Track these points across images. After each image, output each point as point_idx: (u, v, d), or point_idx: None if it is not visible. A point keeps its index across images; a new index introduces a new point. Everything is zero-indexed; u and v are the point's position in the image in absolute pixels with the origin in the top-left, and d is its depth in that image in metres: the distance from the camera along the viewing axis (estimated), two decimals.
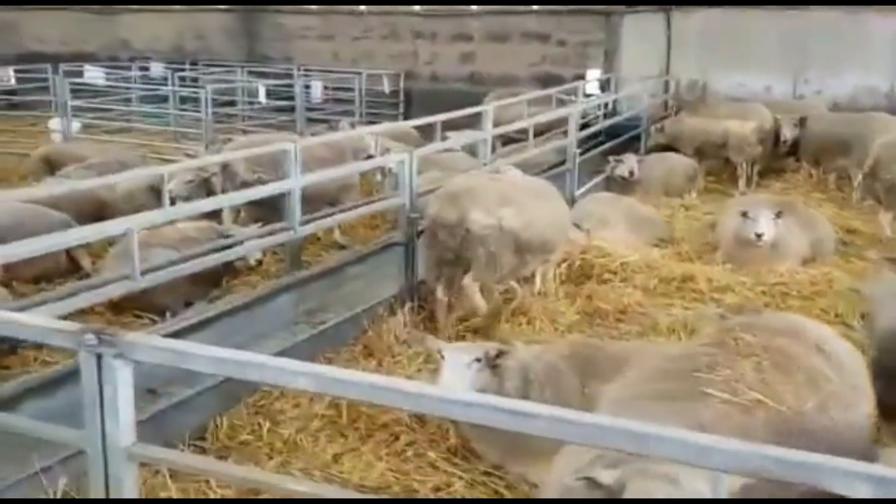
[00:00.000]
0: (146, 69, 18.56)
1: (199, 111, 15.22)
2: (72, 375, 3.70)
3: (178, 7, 19.28)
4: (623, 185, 11.47)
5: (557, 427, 2.11)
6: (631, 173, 11.63)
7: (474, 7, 17.09)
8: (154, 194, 10.35)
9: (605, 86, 15.88)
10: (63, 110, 13.52)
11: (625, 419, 2.11)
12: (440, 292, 6.37)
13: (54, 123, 15.74)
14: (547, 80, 16.39)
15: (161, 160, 12.65)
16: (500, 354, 4.38)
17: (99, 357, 2.57)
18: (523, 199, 6.50)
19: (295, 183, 7.05)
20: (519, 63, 16.57)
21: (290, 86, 14.87)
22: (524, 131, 10.56)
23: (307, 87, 14.77)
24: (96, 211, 9.12)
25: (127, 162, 11.66)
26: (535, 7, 16.71)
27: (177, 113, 14.98)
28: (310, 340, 5.95)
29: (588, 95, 15.03)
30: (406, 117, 17.19)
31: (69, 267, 8.05)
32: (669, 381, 3.40)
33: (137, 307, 7.05)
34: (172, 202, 9.07)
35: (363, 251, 6.42)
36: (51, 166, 12.17)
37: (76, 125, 15.71)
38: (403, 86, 17.42)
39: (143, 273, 5.29)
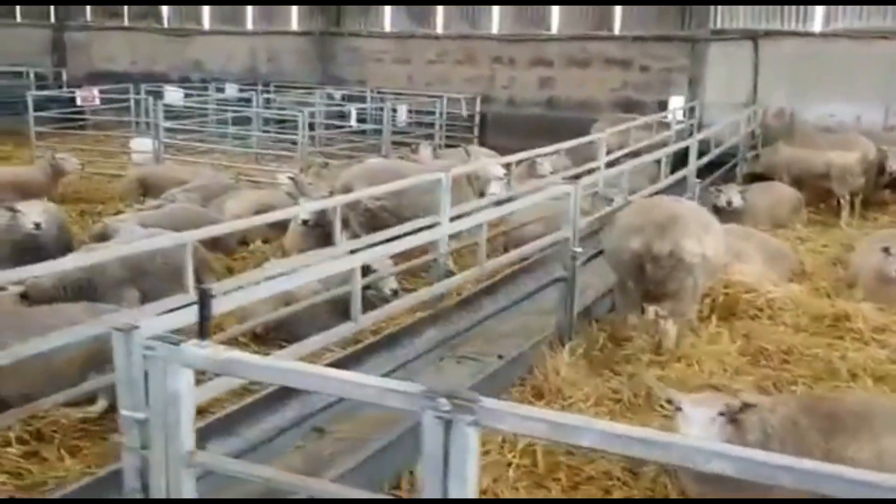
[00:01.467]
0: (222, 90, 18.58)
1: (282, 133, 15.21)
2: None
3: (252, 29, 19.35)
4: (726, 215, 11.17)
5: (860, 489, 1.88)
6: (729, 203, 11.33)
7: (555, 31, 16.92)
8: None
9: (686, 112, 15.61)
10: (155, 132, 13.47)
11: None
12: (635, 327, 6.22)
13: (137, 144, 15.76)
14: (628, 106, 16.18)
15: (252, 183, 12.57)
16: (743, 407, 4.10)
17: (448, 422, 2.35)
18: (713, 226, 6.39)
19: (445, 217, 6.88)
20: (599, 88, 16.37)
21: (379, 109, 14.75)
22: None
23: (394, 110, 14.65)
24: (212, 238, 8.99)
25: (226, 185, 11.59)
26: (617, 32, 16.52)
27: (261, 135, 14.96)
28: (473, 379, 5.71)
29: (679, 122, 14.80)
30: (481, 142, 17.04)
31: None
32: None
33: (282, 337, 6.87)
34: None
35: (528, 289, 6.18)
36: (146, 188, 12.13)
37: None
38: (479, 109, 17.26)
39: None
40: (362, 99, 17.90)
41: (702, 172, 14.72)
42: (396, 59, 18.26)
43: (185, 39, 20.33)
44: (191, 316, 3.33)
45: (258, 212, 10.19)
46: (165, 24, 20.71)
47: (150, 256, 7.41)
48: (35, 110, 20.91)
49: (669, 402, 4.21)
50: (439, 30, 18.06)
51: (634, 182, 11.66)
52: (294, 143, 15.26)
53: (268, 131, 15.44)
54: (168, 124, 13.86)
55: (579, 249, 6.34)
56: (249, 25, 20.08)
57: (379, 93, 18.15)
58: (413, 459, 4.86)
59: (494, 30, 17.46)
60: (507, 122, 16.90)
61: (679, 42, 15.90)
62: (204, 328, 3.37)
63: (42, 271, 4.21)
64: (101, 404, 5.57)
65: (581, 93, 16.52)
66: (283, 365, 2.66)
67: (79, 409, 5.56)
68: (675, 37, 15.99)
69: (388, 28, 18.49)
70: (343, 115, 16.13)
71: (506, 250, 8.19)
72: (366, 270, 7.64)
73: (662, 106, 15.99)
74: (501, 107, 17.22)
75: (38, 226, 8.09)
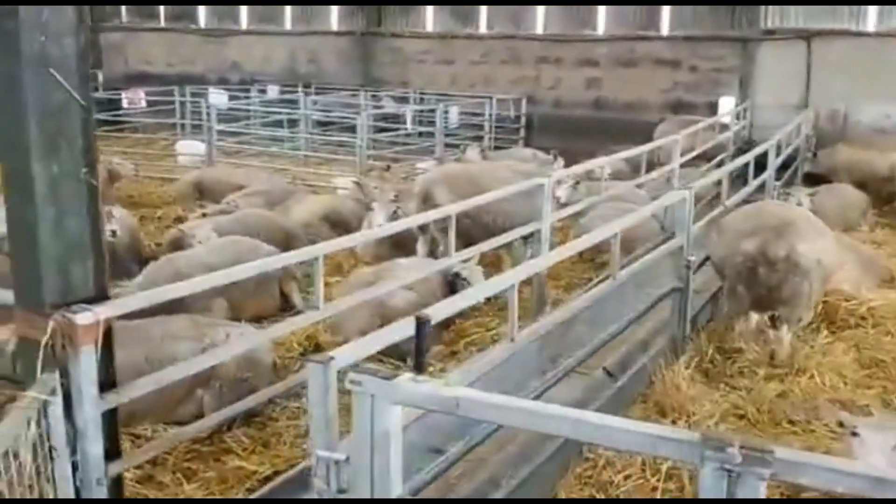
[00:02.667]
0: (263, 91, 18.42)
1: (333, 136, 15.04)
2: None
3: (291, 30, 19.16)
4: None
5: None
6: (798, 206, 11.09)
7: (601, 32, 16.68)
8: (327, 223, 10.10)
9: (741, 114, 15.34)
10: (207, 135, 13.31)
11: None
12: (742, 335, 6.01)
13: (183, 146, 15.62)
14: (677, 107, 15.94)
15: (307, 187, 12.38)
16: None
17: (734, 474, 2.12)
18: (825, 231, 6.20)
19: (547, 223, 6.68)
20: (648, 89, 16.12)
21: (431, 111, 14.55)
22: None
23: (446, 111, 14.44)
24: (284, 241, 8.84)
25: (287, 189, 11.42)
26: (665, 32, 16.26)
27: (318, 137, 14.79)
28: (592, 395, 5.49)
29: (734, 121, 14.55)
30: (527, 143, 16.83)
31: (283, 304, 7.70)
32: None
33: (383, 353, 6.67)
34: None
35: (650, 299, 5.96)
36: (200, 192, 11.97)
37: (201, 148, 15.57)
38: (525, 111, 17.04)
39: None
40: (405, 100, 17.71)
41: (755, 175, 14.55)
42: (439, 59, 18.04)
43: (223, 40, 20.16)
44: (377, 344, 3.11)
45: (326, 217, 10.04)
46: (202, 25, 20.53)
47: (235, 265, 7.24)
48: None
49: (841, 425, 3.98)
50: (483, 30, 17.84)
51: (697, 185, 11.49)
52: (342, 144, 15.11)
53: (317, 134, 15.28)
54: (220, 127, 13.69)
55: (692, 258, 6.13)
56: (288, 25, 19.90)
57: (421, 94, 17.95)
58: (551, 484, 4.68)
59: (539, 30, 17.23)
60: (554, 123, 16.67)
61: (730, 42, 15.64)
62: (420, 361, 3.14)
63: (209, 283, 4.01)
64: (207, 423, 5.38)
65: (629, 94, 16.27)
66: (526, 405, 2.44)
67: (183, 427, 5.38)
68: (726, 37, 15.73)
69: (430, 28, 18.27)
70: (386, 118, 15.95)
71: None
72: (455, 278, 7.51)
73: (712, 107, 15.74)
74: (547, 108, 16.99)
75: (113, 233, 7.93)
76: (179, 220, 10.67)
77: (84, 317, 3.11)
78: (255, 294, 7.29)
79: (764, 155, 9.76)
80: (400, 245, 9.44)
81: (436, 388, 2.54)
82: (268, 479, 4.76)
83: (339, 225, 10.11)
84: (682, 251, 6.08)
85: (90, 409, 3.16)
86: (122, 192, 12.48)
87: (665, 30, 16.28)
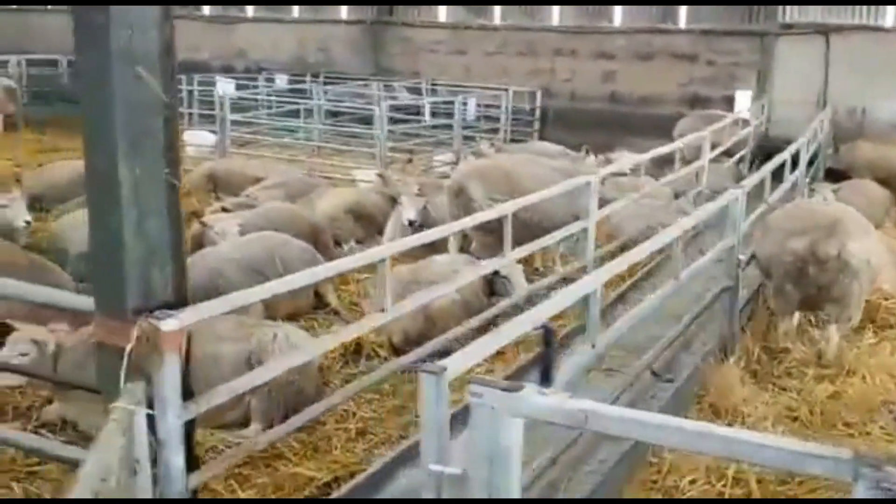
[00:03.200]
0: (271, 80, 18.16)
1: (346, 126, 14.84)
2: None
3: (301, 18, 18.88)
4: None
5: None
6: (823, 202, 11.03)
7: (618, 24, 16.51)
8: (351, 217, 9.92)
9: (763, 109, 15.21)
10: (221, 125, 13.08)
11: None
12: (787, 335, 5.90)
13: (191, 136, 15.35)
14: (694, 101, 15.81)
15: (325, 178, 12.18)
16: None
17: (887, 490, 2.01)
18: (871, 229, 6.12)
19: (592, 220, 6.55)
20: (665, 83, 15.97)
21: (449, 103, 14.35)
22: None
23: (464, 104, 14.25)
24: (311, 235, 8.66)
25: (308, 182, 11.22)
26: (683, 26, 16.10)
27: (339, 129, 14.59)
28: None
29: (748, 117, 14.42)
30: (542, 136, 16.65)
31: (316, 303, 7.53)
32: None
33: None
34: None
35: (702, 299, 5.84)
36: (215, 184, 11.76)
37: (210, 138, 15.33)
38: (539, 104, 16.87)
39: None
40: (417, 91, 17.49)
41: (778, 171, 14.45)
42: (452, 50, 17.82)
43: (229, 27, 19.86)
44: (486, 350, 2.96)
45: (351, 211, 9.86)
46: (207, 12, 20.22)
47: (269, 261, 7.08)
48: (70, 101, 20.58)
49: None
50: (497, 20, 17.63)
51: (716, 182, 11.37)
52: (356, 136, 14.92)
53: (332, 125, 15.08)
54: (234, 117, 13.47)
55: (743, 257, 6.02)
56: (296, 13, 19.62)
57: (433, 85, 17.74)
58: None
59: (555, 21, 17.03)
60: (569, 116, 16.51)
61: (747, 36, 15.50)
62: (547, 371, 3.00)
63: (285, 287, 3.85)
64: (255, 427, 5.23)
65: (645, 87, 16.11)
66: (665, 421, 2.30)
67: (231, 433, 5.22)
68: (744, 31, 15.59)
69: (442, 18, 18.04)
70: (400, 109, 15.76)
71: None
72: (495, 276, 7.35)
73: (728, 101, 15.61)
74: (563, 101, 16.82)
75: None
76: (196, 213, 10.45)
77: (169, 323, 2.96)
78: (291, 294, 7.09)
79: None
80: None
81: (562, 400, 2.41)
82: (327, 485, 4.63)
83: (364, 218, 9.93)
84: (733, 250, 5.95)
85: (173, 418, 3.02)
86: None
87: (682, 23, 16.12)
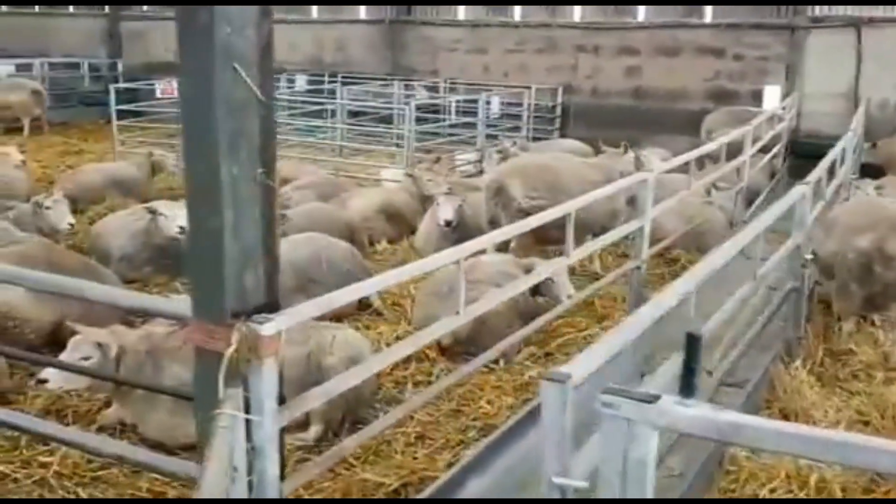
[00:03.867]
0: (292, 80, 18.06)
1: (367, 126, 14.74)
2: None
3: (318, 18, 18.75)
4: None
5: None
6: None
7: (641, 19, 16.34)
8: (383, 217, 9.81)
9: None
10: None
11: None
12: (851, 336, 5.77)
13: None
14: (720, 96, 15.62)
15: (351, 178, 12.06)
16: None
17: None
18: None
19: (647, 218, 6.41)
20: (690, 78, 15.78)
21: (473, 102, 14.22)
22: None
23: (488, 102, 14.11)
24: (348, 235, 8.57)
25: (337, 183, 11.13)
26: (709, 20, 15.93)
27: (369, 128, 14.48)
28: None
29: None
30: (563, 133, 16.51)
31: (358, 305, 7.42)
32: None
33: (465, 351, 6.40)
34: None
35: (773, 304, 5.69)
36: None
37: None
38: (561, 100, 16.72)
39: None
40: (436, 89, 17.37)
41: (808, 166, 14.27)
42: (471, 48, 17.68)
43: None
44: (608, 353, 2.81)
45: (383, 210, 9.75)
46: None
47: (316, 263, 6.97)
48: (89, 104, 20.52)
49: None
50: (517, 17, 17.48)
51: (752, 178, 11.21)
52: (374, 135, 14.81)
53: (356, 124, 14.98)
54: None
55: (810, 256, 5.87)
56: (315, 14, 19.51)
57: (452, 83, 17.61)
58: None
59: (577, 17, 16.88)
60: (591, 113, 16.35)
61: (776, 30, 15.31)
62: (691, 381, 2.85)
63: (374, 287, 3.73)
64: (315, 430, 5.11)
65: (670, 82, 15.93)
66: (821, 434, 2.15)
67: (291, 436, 5.11)
68: (772, 24, 15.39)
69: (461, 16, 17.91)
70: (422, 108, 15.64)
71: None
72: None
73: (755, 96, 15.42)
74: (585, 97, 16.65)
75: (183, 230, 7.63)
76: None
77: (268, 327, 2.84)
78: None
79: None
80: (463, 240, 9.15)
81: (708, 412, 2.26)
82: (396, 491, 4.51)
83: (395, 218, 9.84)
84: (799, 250, 5.80)
85: (269, 425, 2.89)
86: (161, 185, 12.16)
87: (708, 17, 15.95)
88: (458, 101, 15.21)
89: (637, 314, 3.21)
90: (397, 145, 15.03)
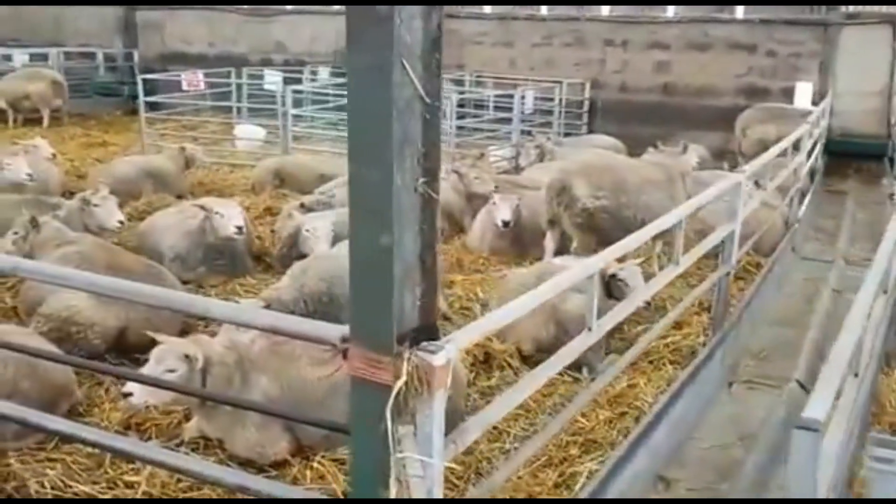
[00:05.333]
0: (315, 73, 17.77)
1: None
2: None
3: (341, 10, 18.32)
4: None
5: None
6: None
7: (671, 14, 16.09)
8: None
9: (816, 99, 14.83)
10: (283, 120, 12.71)
11: None
12: None
13: (241, 131, 15.02)
14: (751, 93, 15.40)
15: None
16: None
17: None
18: None
19: (738, 221, 6.20)
20: (721, 74, 15.56)
21: (508, 96, 13.96)
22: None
23: (523, 97, 13.87)
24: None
25: None
26: (741, 15, 15.69)
27: None
28: None
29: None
30: (590, 129, 16.28)
31: None
32: None
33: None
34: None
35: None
36: (282, 180, 11.43)
37: (260, 132, 14.99)
38: (588, 95, 16.47)
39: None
40: (460, 83, 17.10)
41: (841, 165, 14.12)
42: (497, 41, 17.40)
43: (267, 20, 19.43)
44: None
45: None
46: (245, 4, 19.76)
47: None
48: (105, 94, 20.20)
49: None
50: (545, 11, 17.21)
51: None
52: None
53: None
54: (296, 111, 13.10)
55: None
56: (337, 5, 19.16)
57: (478, 77, 17.35)
58: None
59: (606, 11, 16.62)
60: (619, 108, 16.13)
61: (809, 26, 15.09)
62: None
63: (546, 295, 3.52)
64: None
65: (700, 78, 15.71)
66: None
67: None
68: (806, 20, 15.18)
69: (488, 9, 17.62)
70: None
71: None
72: (611, 280, 7.01)
73: (787, 93, 15.21)
74: (613, 92, 16.41)
75: (240, 230, 7.41)
76: (269, 210, 10.13)
77: (440, 357, 2.61)
78: None
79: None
80: (518, 240, 8.98)
81: None
82: None
83: (444, 215, 9.61)
84: None
85: (439, 464, 2.68)
86: (192, 179, 11.91)
87: (740, 13, 15.71)
88: (494, 97, 14.92)
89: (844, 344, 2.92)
90: None
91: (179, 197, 10.79)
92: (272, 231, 9.04)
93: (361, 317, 2.69)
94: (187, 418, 5.01)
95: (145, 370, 4.51)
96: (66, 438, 4.34)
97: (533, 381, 3.57)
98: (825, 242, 10.38)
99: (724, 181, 6.07)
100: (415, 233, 2.74)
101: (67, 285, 3.83)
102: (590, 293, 4.06)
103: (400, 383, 2.58)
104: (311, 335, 3.09)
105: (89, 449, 4.70)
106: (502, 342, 6.17)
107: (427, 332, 2.83)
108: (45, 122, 16.69)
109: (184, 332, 6.44)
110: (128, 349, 5.93)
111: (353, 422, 2.76)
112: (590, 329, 4.07)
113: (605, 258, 4.33)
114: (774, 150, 7.86)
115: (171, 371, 4.49)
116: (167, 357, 4.51)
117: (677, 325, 6.87)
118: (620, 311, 4.64)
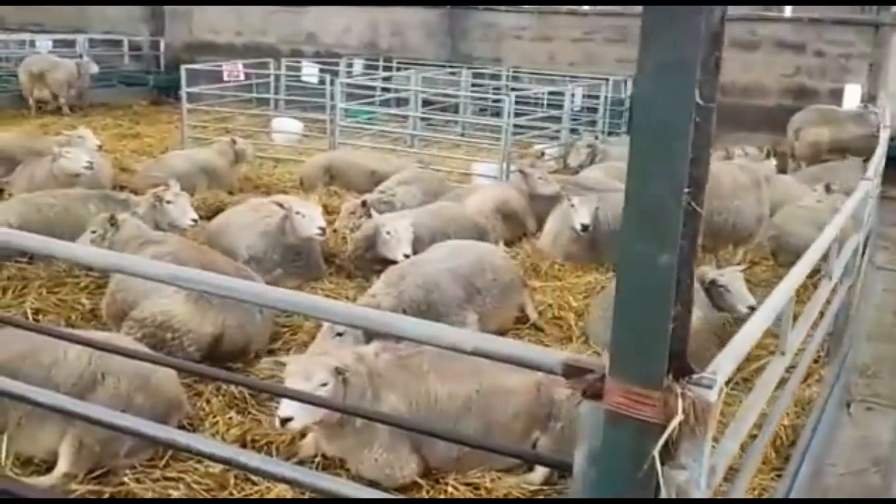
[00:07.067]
0: (350, 66, 17.41)
1: (434, 115, 14.27)
2: None
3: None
4: None
5: None
6: None
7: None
8: (500, 216, 9.31)
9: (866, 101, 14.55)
10: (332, 114, 12.37)
11: None
12: None
13: (278, 124, 14.69)
14: (799, 93, 15.14)
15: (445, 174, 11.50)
16: None
17: None
18: None
19: (864, 230, 5.90)
20: (768, 73, 15.28)
21: (560, 93, 13.65)
22: None
23: (573, 94, 13.55)
24: (478, 237, 8.08)
25: (439, 177, 10.62)
26: (789, 14, 15.40)
27: (470, 120, 14.00)
28: None
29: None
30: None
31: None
32: None
33: None
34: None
35: None
36: (332, 176, 11.12)
37: (296, 125, 14.67)
38: (631, 93, 16.15)
39: None
40: (497, 78, 16.80)
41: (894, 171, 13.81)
42: (537, 36, 17.07)
43: (298, 10, 19.04)
44: None
45: (499, 210, 9.24)
46: None
47: (480, 272, 6.45)
48: (130, 84, 19.78)
49: None
50: (587, 6, 16.88)
51: (852, 180, 10.74)
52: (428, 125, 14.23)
53: (471, 118, 14.51)
54: (347, 104, 12.78)
55: None
56: None
57: (515, 73, 17.03)
58: None
59: None
60: None
61: (859, 27, 14.81)
62: None
63: None
64: (541, 473, 4.61)
65: (746, 77, 15.41)
66: None
67: (514, 476, 4.62)
68: (856, 21, 14.91)
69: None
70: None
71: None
72: (711, 286, 6.73)
73: (835, 94, 14.93)
74: None
75: (323, 231, 7.11)
76: (326, 208, 9.80)
77: (713, 392, 2.33)
78: (502, 305, 6.50)
79: None
80: (593, 245, 8.68)
81: None
82: None
83: (510, 218, 9.34)
84: None
85: None
86: (237, 175, 11.56)
87: (788, 11, 15.42)
88: (546, 93, 14.62)
89: None
90: (462, 135, 14.49)
91: (230, 193, 10.48)
92: (334, 231, 8.73)
93: (627, 344, 2.39)
94: (303, 435, 4.70)
95: (299, 386, 4.11)
96: (199, 456, 3.99)
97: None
98: (893, 252, 10.18)
99: (857, 190, 5.77)
100: (673, 253, 2.45)
101: (194, 288, 3.48)
102: (786, 316, 3.75)
103: (676, 421, 2.29)
104: (526, 361, 2.79)
105: (201, 466, 4.42)
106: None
107: (679, 360, 2.54)
108: (65, 110, 16.34)
109: (273, 340, 6.17)
110: (220, 357, 5.63)
111: (592, 461, 2.47)
112: (783, 353, 3.77)
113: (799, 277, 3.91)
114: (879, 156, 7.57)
115: (324, 385, 4.17)
116: (317, 371, 4.19)
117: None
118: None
